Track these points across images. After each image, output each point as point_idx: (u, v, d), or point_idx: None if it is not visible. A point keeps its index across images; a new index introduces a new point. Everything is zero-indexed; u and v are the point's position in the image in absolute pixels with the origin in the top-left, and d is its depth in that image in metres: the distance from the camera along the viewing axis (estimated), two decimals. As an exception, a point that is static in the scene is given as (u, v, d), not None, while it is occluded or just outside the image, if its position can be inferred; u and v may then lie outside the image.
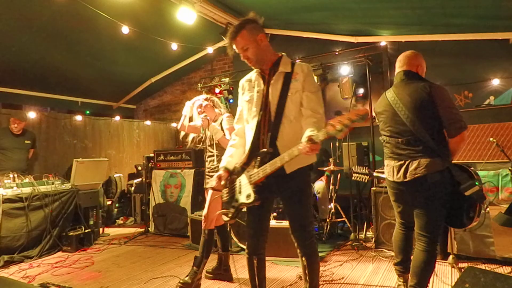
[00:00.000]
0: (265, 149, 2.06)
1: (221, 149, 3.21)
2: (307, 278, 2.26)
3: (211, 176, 3.14)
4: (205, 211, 3.15)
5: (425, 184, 2.24)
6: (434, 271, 2.46)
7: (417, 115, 2.29)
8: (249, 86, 2.28)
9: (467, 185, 2.21)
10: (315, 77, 5.67)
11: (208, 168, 3.44)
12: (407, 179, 2.30)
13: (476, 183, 2.19)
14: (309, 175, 2.23)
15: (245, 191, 2.09)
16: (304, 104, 2.11)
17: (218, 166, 3.06)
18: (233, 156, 2.26)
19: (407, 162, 2.30)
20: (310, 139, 1.79)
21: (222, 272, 3.37)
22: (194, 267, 3.09)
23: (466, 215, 2.30)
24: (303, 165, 2.10)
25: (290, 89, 2.11)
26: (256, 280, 2.32)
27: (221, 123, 3.33)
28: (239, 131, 2.34)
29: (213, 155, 3.36)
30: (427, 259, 2.29)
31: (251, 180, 2.05)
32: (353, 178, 3.10)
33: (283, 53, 2.25)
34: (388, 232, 3.81)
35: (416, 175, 2.25)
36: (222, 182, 2.18)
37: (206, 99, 3.49)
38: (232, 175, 2.20)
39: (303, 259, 2.24)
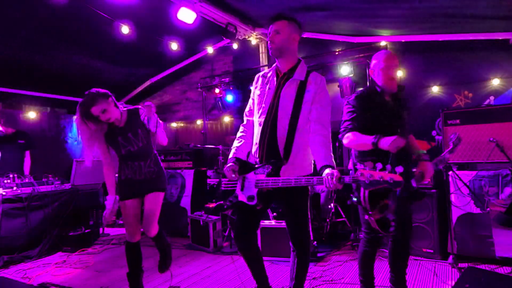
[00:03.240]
0: (278, 161, 2.10)
1: None
2: (294, 276, 2.31)
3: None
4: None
5: None
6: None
7: None
8: (263, 82, 2.31)
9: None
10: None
11: None
12: None
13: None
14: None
15: (248, 192, 2.12)
16: (313, 117, 2.13)
17: None
18: (242, 148, 2.31)
19: None
20: (338, 177, 1.84)
21: None
22: None
23: None
24: (298, 174, 2.13)
25: (303, 99, 2.14)
26: (258, 269, 2.40)
27: None
28: (249, 123, 2.39)
29: None
30: None
31: (258, 185, 2.08)
32: None
33: (301, 58, 2.27)
34: (388, 232, 3.80)
35: None
36: (233, 175, 2.18)
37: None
38: (239, 167, 2.22)
39: (297, 259, 2.29)
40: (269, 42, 2.18)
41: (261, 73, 2.38)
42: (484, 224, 3.31)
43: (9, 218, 4.03)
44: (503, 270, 3.17)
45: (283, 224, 3.76)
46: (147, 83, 7.76)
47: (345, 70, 5.44)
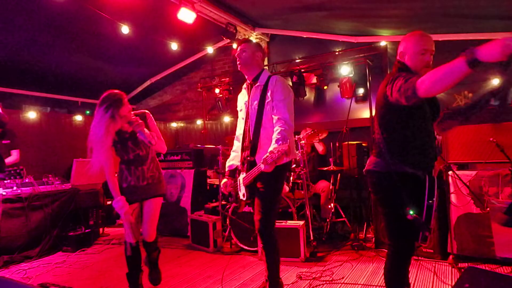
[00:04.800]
0: (249, 157, 2.52)
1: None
2: (266, 267, 2.57)
3: None
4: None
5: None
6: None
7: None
8: (241, 99, 2.74)
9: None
10: (315, 78, 5.72)
11: None
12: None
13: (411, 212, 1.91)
14: (280, 173, 2.52)
15: (242, 190, 2.61)
16: (273, 113, 2.47)
17: None
18: (234, 160, 2.75)
19: None
20: (264, 160, 2.19)
21: None
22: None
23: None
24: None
25: (265, 99, 2.49)
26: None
27: None
28: (238, 137, 2.75)
29: None
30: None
31: (244, 182, 2.55)
32: None
33: (264, 68, 2.68)
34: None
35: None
36: (227, 188, 2.74)
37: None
38: (236, 174, 2.71)
39: (262, 250, 2.55)
40: (237, 58, 2.61)
41: (240, 93, 2.78)
42: (484, 224, 3.31)
43: (9, 218, 4.03)
44: (503, 270, 3.17)
45: (283, 224, 3.76)
46: (147, 83, 7.76)
47: (345, 70, 5.44)
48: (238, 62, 2.61)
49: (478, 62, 1.48)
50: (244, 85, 2.71)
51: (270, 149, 2.21)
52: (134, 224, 2.77)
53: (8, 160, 4.79)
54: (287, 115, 2.42)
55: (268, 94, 2.48)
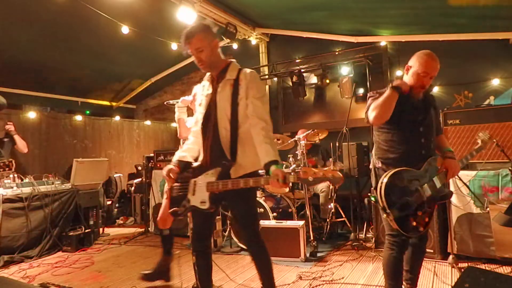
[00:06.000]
0: (227, 162, 2.14)
1: None
2: (259, 277, 2.28)
3: None
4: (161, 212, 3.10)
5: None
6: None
7: None
8: (201, 92, 2.37)
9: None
10: (314, 76, 5.71)
11: None
12: None
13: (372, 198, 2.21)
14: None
15: (200, 196, 2.16)
16: (249, 111, 2.15)
17: None
18: (186, 153, 2.34)
19: None
20: (284, 177, 1.89)
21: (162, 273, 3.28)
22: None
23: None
24: (248, 171, 2.16)
25: (238, 95, 2.17)
26: (203, 275, 2.38)
27: None
28: (195, 133, 2.40)
29: None
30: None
31: (209, 188, 2.12)
32: None
33: (232, 60, 2.31)
34: (388, 232, 3.80)
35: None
36: (172, 176, 2.23)
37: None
38: (185, 172, 2.26)
39: (253, 259, 2.28)
40: (196, 61, 2.24)
41: (198, 85, 2.44)
42: (484, 224, 3.31)
43: (9, 218, 4.03)
44: (503, 270, 3.17)
45: (283, 224, 3.76)
46: (147, 83, 7.76)
47: (345, 70, 5.44)
48: (199, 66, 2.25)
49: (401, 90, 2.14)
50: (207, 77, 2.36)
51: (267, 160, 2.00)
52: None
53: (19, 144, 4.79)
54: (267, 116, 2.17)
55: (241, 90, 2.17)
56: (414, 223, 2.13)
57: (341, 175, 1.85)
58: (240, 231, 2.34)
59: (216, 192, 2.12)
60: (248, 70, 2.24)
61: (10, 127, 4.75)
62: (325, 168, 1.90)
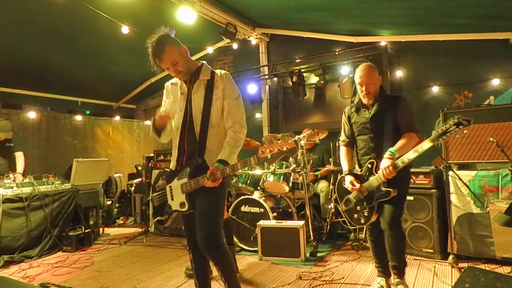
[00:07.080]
0: (194, 160, 2.16)
1: None
2: (223, 280, 2.20)
3: None
4: None
5: None
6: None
7: None
8: (173, 89, 2.36)
9: None
10: (314, 76, 5.71)
11: None
12: None
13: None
14: (227, 179, 2.25)
15: (178, 199, 2.20)
16: (225, 113, 2.20)
17: None
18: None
19: None
20: (211, 173, 2.02)
21: None
22: None
23: None
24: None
25: (213, 96, 2.19)
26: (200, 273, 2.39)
27: None
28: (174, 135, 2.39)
29: None
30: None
31: (183, 190, 2.16)
32: None
33: (203, 62, 2.31)
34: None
35: None
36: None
37: None
38: (160, 179, 2.34)
39: (214, 265, 2.20)
40: (175, 74, 2.22)
41: (169, 82, 2.42)
42: (484, 224, 3.31)
43: (9, 218, 4.04)
44: (503, 270, 3.18)
45: (283, 224, 3.76)
46: (147, 83, 7.76)
47: (345, 70, 5.44)
48: (179, 77, 2.25)
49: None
50: (178, 81, 2.33)
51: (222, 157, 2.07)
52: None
53: (19, 167, 4.84)
54: (242, 118, 2.20)
55: (217, 90, 2.19)
56: (355, 216, 2.69)
57: (294, 144, 1.96)
58: (197, 233, 2.15)
59: (192, 192, 2.16)
60: (222, 72, 2.26)
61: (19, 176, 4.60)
62: (279, 141, 1.96)
